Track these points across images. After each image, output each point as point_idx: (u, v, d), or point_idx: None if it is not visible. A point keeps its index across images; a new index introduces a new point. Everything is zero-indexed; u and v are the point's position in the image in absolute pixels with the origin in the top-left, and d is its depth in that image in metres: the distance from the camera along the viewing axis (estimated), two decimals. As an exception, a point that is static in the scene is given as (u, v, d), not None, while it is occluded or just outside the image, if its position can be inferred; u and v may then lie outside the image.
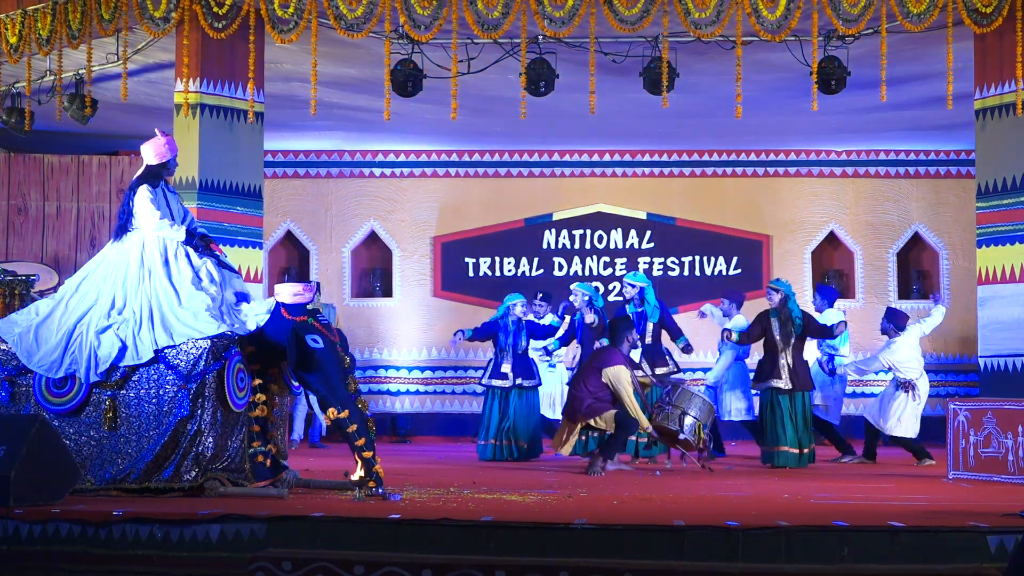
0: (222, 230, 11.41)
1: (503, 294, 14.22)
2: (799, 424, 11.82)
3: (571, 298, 12.97)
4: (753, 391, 12.63)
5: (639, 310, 12.42)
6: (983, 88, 11.53)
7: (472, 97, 12.99)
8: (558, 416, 13.08)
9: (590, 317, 12.64)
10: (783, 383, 11.79)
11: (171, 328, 8.70)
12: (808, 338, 12.17)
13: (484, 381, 13.06)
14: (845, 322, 12.62)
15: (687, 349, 12.46)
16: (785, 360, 11.83)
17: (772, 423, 11.86)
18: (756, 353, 14.21)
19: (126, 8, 11.41)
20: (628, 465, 11.79)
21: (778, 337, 11.89)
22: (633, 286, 12.49)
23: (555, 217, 17.02)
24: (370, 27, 11.16)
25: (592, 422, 11.09)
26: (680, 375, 12.70)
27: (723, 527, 6.98)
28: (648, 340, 12.37)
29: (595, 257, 16.97)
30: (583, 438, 11.40)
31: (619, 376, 10.98)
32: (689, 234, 16.93)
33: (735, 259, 16.85)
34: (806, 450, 11.84)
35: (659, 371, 12.25)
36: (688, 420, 11.28)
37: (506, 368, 12.86)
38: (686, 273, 16.86)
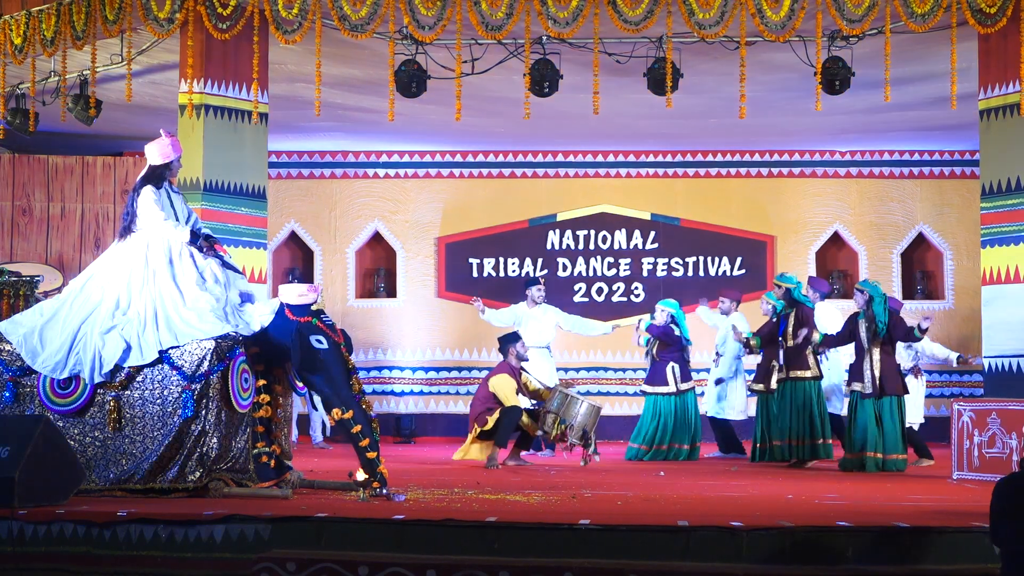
0: (226, 231, 11.40)
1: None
2: (886, 429, 11.39)
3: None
4: (844, 394, 12.28)
5: (786, 312, 12.46)
6: (987, 88, 11.51)
7: (476, 98, 12.98)
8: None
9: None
10: (863, 387, 11.46)
11: (175, 329, 8.70)
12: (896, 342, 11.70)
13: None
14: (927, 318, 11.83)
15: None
16: (869, 364, 11.47)
17: (854, 428, 11.51)
18: (706, 352, 14.48)
19: (130, 9, 11.40)
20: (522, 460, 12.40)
21: (864, 339, 11.56)
22: (780, 287, 12.60)
23: (559, 218, 17.02)
24: (374, 28, 11.15)
25: (486, 425, 12.05)
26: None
27: (727, 527, 6.99)
28: (790, 343, 12.35)
29: (599, 258, 16.97)
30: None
31: (499, 385, 12.19)
32: (693, 234, 16.92)
33: (739, 259, 16.84)
34: (898, 456, 11.39)
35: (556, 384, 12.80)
36: (551, 418, 11.99)
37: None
38: (690, 274, 16.85)
